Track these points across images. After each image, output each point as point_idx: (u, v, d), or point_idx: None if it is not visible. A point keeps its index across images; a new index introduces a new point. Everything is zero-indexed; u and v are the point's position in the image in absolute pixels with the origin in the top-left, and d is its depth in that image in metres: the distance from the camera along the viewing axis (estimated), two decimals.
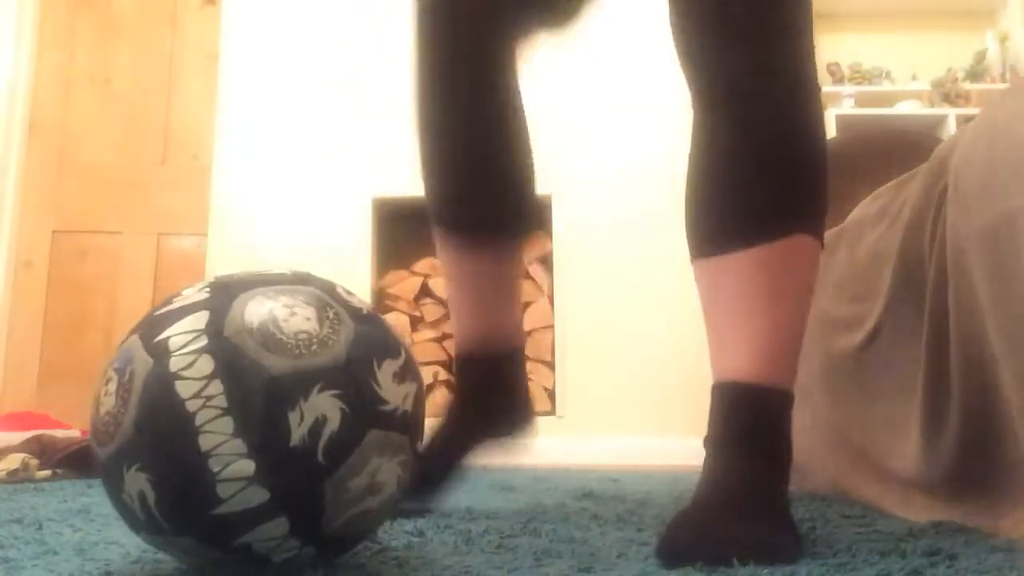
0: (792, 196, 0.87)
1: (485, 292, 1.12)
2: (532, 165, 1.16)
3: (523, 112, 1.14)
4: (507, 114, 1.12)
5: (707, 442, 0.86)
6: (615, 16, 3.17)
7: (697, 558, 0.66)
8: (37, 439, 1.78)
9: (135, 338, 0.62)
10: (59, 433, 1.98)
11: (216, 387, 0.57)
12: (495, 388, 1.15)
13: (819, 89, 0.91)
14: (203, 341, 0.58)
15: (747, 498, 0.76)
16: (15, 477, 1.59)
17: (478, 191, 1.12)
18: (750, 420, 0.84)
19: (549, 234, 3.09)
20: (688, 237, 0.93)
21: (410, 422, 0.65)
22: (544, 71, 3.15)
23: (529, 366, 3.04)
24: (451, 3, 1.05)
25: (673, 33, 0.98)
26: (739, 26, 0.87)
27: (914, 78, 3.35)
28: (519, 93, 1.13)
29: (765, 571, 0.64)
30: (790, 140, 0.87)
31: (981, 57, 3.36)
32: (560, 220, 3.06)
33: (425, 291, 3.14)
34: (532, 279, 3.13)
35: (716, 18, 0.89)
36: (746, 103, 0.87)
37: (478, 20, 1.05)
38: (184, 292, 0.65)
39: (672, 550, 0.68)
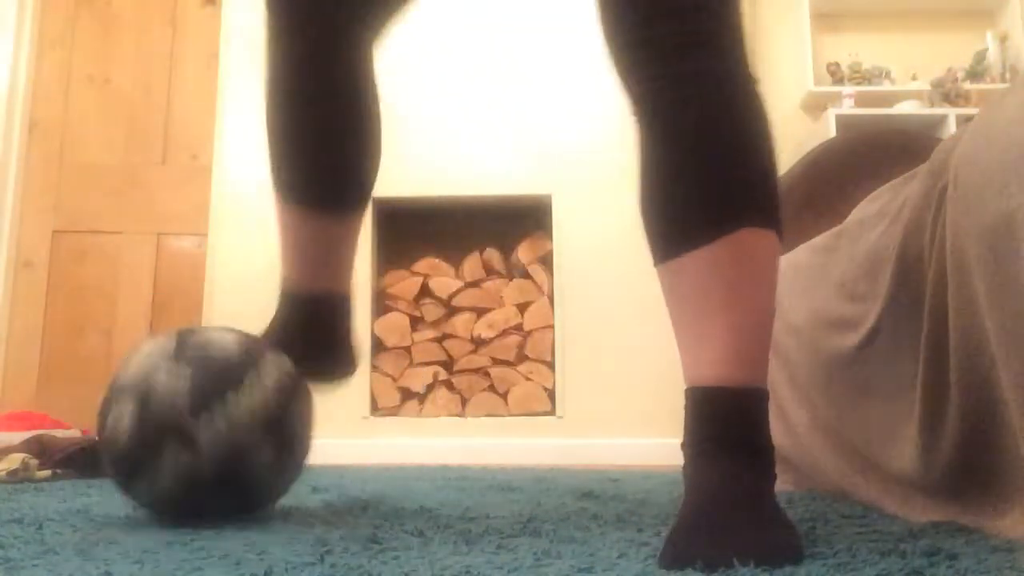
0: (734, 191, 0.87)
1: (314, 251, 1.20)
2: (373, 148, 1.23)
3: (368, 97, 1.18)
4: (349, 101, 1.16)
5: (685, 447, 0.84)
6: None
7: (700, 566, 0.66)
8: (37, 439, 1.78)
9: None
10: (59, 433, 1.98)
11: None
12: (312, 326, 1.21)
13: (754, 81, 0.92)
14: None
15: (740, 501, 0.76)
16: (15, 477, 1.59)
17: (313, 172, 1.18)
18: (725, 423, 0.82)
19: (549, 234, 3.09)
20: (649, 246, 0.96)
21: None
22: (545, 71, 3.16)
23: (529, 366, 3.04)
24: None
25: (605, 43, 1.02)
26: (662, 29, 0.91)
27: (914, 78, 3.35)
28: (367, 79, 1.17)
29: (764, 573, 0.64)
30: (725, 137, 0.88)
31: (981, 57, 3.36)
32: (560, 220, 3.06)
33: (425, 291, 3.14)
34: (532, 279, 3.14)
35: (641, 25, 0.94)
36: (676, 108, 0.90)
37: (322, 16, 1.09)
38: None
39: (674, 560, 0.69)
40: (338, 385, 1.26)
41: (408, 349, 3.08)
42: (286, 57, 1.11)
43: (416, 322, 3.12)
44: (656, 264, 0.95)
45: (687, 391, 0.87)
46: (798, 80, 3.39)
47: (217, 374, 0.96)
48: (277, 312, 1.24)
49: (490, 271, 3.17)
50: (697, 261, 0.86)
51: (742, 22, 0.93)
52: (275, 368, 1.02)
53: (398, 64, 3.14)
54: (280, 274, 1.24)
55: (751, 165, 0.88)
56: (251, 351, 1.02)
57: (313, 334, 1.21)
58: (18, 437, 1.80)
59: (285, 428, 1.02)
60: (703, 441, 0.82)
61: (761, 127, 0.90)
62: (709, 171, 0.87)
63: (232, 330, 1.07)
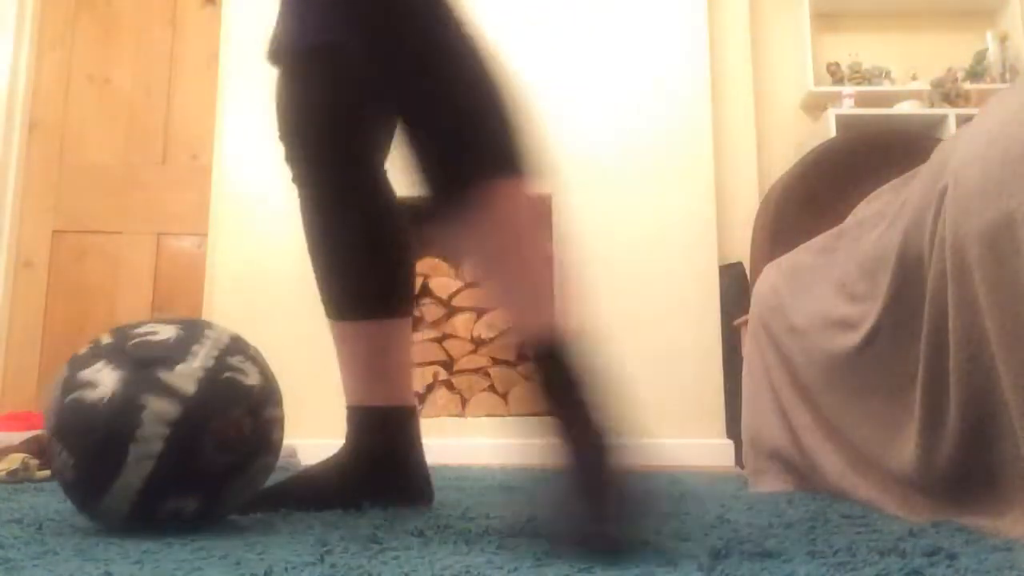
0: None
1: (370, 361, 1.22)
2: (403, 255, 1.28)
3: (392, 209, 1.27)
4: (377, 217, 1.25)
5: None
6: (616, 18, 3.17)
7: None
8: (37, 439, 1.78)
9: None
10: None
11: None
12: (384, 444, 1.19)
13: (465, 41, 0.97)
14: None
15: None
16: (15, 477, 1.59)
17: (356, 286, 1.24)
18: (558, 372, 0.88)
19: (549, 234, 3.09)
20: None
21: None
22: (545, 71, 3.15)
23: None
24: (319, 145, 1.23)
25: None
26: None
27: (914, 78, 3.35)
28: (386, 193, 1.26)
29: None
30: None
31: (981, 57, 3.36)
32: (560, 220, 3.06)
33: (425, 291, 3.14)
34: None
35: None
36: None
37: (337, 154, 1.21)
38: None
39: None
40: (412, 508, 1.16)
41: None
42: (314, 196, 1.24)
43: (416, 322, 3.12)
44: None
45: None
46: (798, 80, 3.39)
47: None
48: (348, 437, 1.22)
49: None
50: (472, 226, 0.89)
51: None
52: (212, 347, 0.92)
53: None
54: (346, 400, 1.24)
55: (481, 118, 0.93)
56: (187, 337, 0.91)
57: (382, 452, 1.19)
58: (18, 437, 1.80)
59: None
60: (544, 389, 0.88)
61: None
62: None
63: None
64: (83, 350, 0.90)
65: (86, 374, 0.85)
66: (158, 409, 0.82)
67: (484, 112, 0.92)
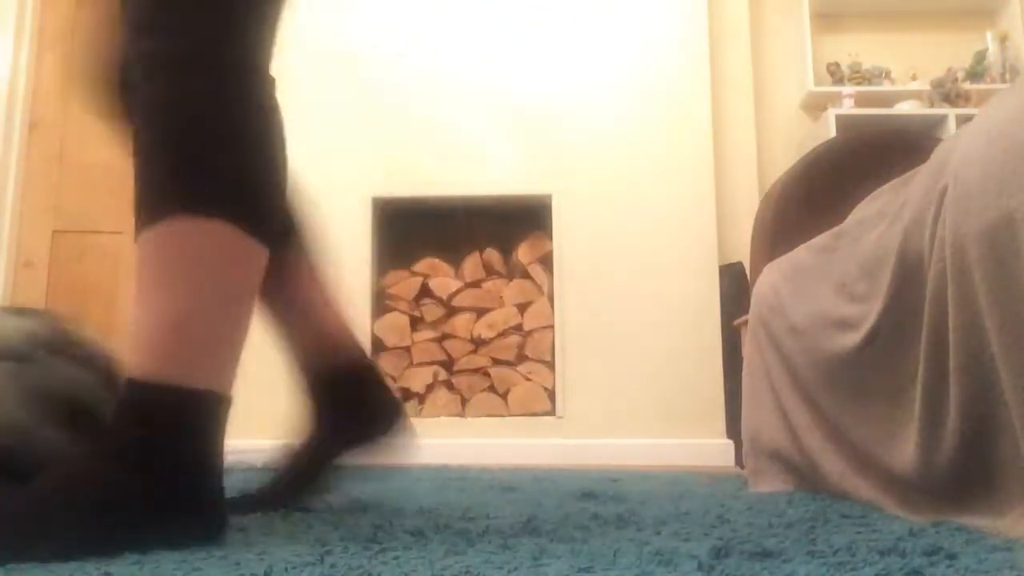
0: (166, 179, 0.85)
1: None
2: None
3: None
4: None
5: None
6: (616, 18, 3.17)
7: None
8: None
9: None
10: None
11: None
12: (348, 394, 1.17)
13: (232, 66, 0.88)
14: None
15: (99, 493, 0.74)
16: None
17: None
18: (133, 419, 0.78)
19: (549, 234, 3.09)
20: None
21: None
22: (545, 71, 3.15)
23: (529, 366, 3.04)
24: None
25: None
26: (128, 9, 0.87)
27: (914, 78, 3.36)
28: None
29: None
30: (157, 120, 0.85)
31: (981, 57, 3.36)
32: (560, 220, 3.06)
33: (425, 291, 3.14)
34: (532, 279, 3.14)
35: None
36: (131, 91, 0.87)
37: None
38: None
39: None
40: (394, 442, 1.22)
41: (408, 349, 3.08)
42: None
43: (416, 322, 3.12)
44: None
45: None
46: (798, 80, 3.39)
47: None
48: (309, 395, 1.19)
49: (490, 271, 3.17)
50: (139, 249, 0.84)
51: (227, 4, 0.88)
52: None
53: (399, 65, 3.14)
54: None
55: (191, 147, 0.84)
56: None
57: (354, 403, 1.18)
58: None
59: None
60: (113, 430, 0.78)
61: (213, 111, 0.85)
62: (153, 155, 0.87)
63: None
64: None
65: None
66: None
67: (173, 146, 0.85)
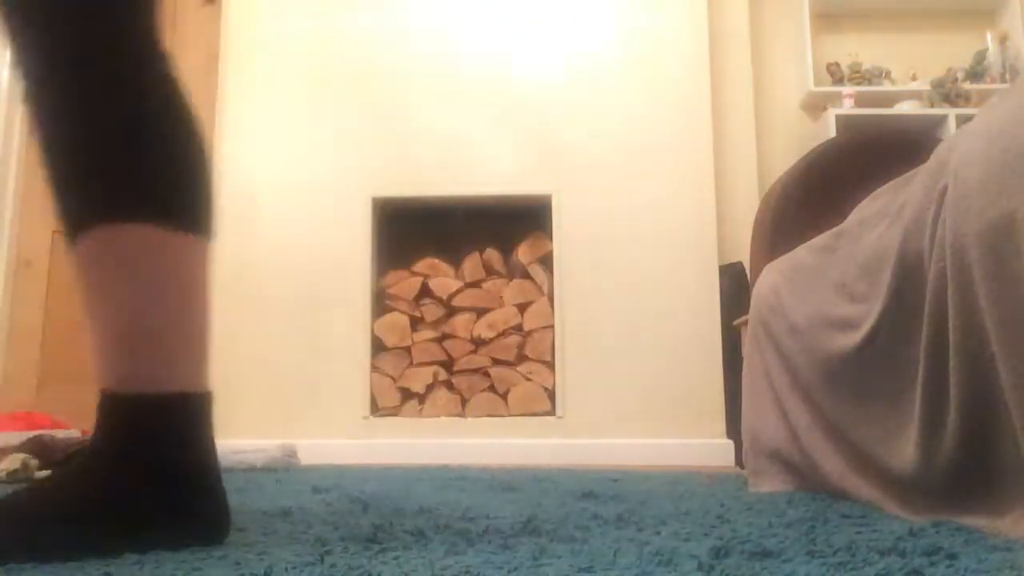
0: (83, 187, 0.81)
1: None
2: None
3: None
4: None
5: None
6: (616, 18, 3.17)
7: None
8: (37, 439, 1.78)
9: None
10: (59, 433, 1.98)
11: None
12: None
13: (151, 58, 0.85)
14: None
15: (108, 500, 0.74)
16: (15, 477, 1.59)
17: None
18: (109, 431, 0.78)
19: (549, 234, 3.09)
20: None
21: None
22: (545, 71, 3.15)
23: (529, 366, 3.04)
24: None
25: None
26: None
27: (914, 78, 3.36)
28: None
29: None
30: (74, 128, 0.81)
31: (981, 57, 3.36)
32: (560, 220, 3.06)
33: (425, 291, 3.14)
34: (532, 279, 3.14)
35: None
36: (41, 97, 0.82)
37: None
38: None
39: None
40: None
41: (408, 349, 3.08)
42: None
43: (416, 322, 3.12)
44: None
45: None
46: (798, 80, 3.39)
47: None
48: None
49: (490, 271, 3.16)
50: (78, 255, 0.82)
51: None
52: None
53: (399, 65, 3.14)
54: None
55: (110, 155, 0.81)
56: None
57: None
58: (18, 437, 1.80)
59: None
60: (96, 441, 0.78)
61: (108, 109, 0.81)
62: (58, 161, 0.81)
63: None
64: None
65: None
66: None
67: (109, 152, 0.81)
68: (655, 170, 3.07)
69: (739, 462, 2.62)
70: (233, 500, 0.85)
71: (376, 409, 3.01)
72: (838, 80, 3.37)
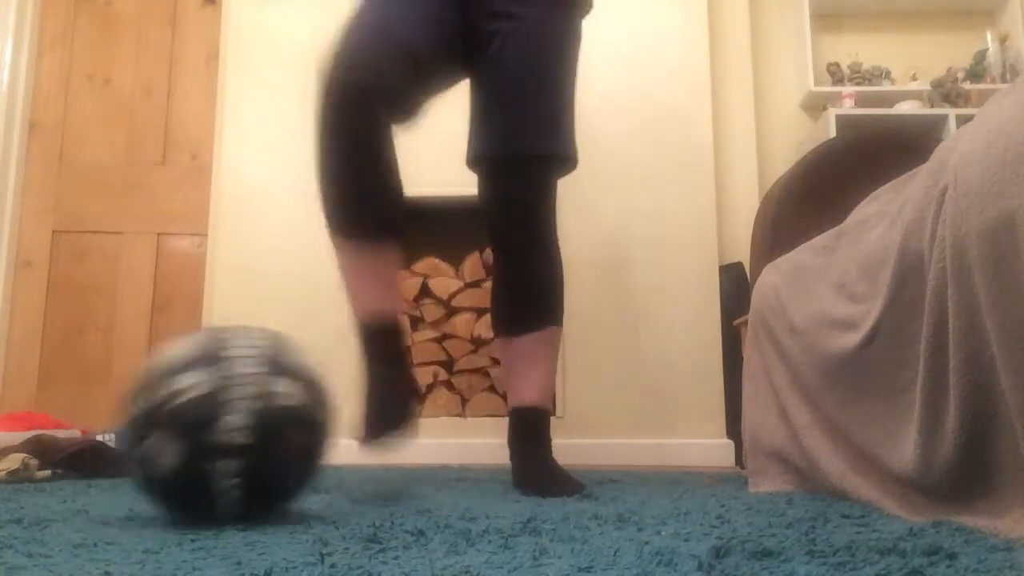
0: (549, 305, 1.66)
1: (370, 281, 1.52)
2: (397, 191, 1.63)
3: (391, 153, 1.58)
4: (378, 156, 1.53)
5: (511, 441, 1.60)
6: (616, 18, 3.17)
7: (541, 493, 1.40)
8: (37, 439, 1.78)
9: None
10: (59, 433, 1.98)
11: None
12: (389, 351, 1.51)
13: (555, 235, 1.75)
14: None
15: (550, 464, 1.58)
16: (15, 477, 1.59)
17: (359, 212, 1.53)
18: (538, 425, 1.60)
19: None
20: (494, 323, 1.72)
21: None
22: None
23: None
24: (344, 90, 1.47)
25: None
26: (511, 205, 1.72)
27: (914, 78, 3.35)
28: (390, 140, 1.55)
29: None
30: (543, 273, 1.69)
31: (981, 57, 3.36)
32: (560, 220, 3.05)
33: (425, 291, 3.14)
34: None
35: (494, 200, 1.73)
36: (516, 254, 1.69)
37: (364, 105, 1.46)
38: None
39: (529, 490, 1.45)
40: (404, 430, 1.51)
41: (408, 349, 3.08)
42: (331, 132, 1.46)
43: (416, 322, 3.12)
44: (500, 336, 1.69)
45: (515, 408, 1.61)
46: (798, 80, 3.39)
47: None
48: (363, 351, 1.50)
49: (490, 271, 3.17)
50: (530, 339, 1.63)
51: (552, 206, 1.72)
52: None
53: None
54: (354, 318, 1.51)
55: (557, 291, 1.69)
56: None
57: (393, 356, 1.53)
58: (18, 437, 1.80)
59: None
60: (528, 435, 1.59)
61: (560, 268, 1.72)
62: (540, 294, 1.67)
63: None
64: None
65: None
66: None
67: (551, 286, 1.69)
68: (655, 170, 3.07)
69: (739, 462, 2.62)
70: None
71: None
72: (838, 80, 3.37)
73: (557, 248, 1.71)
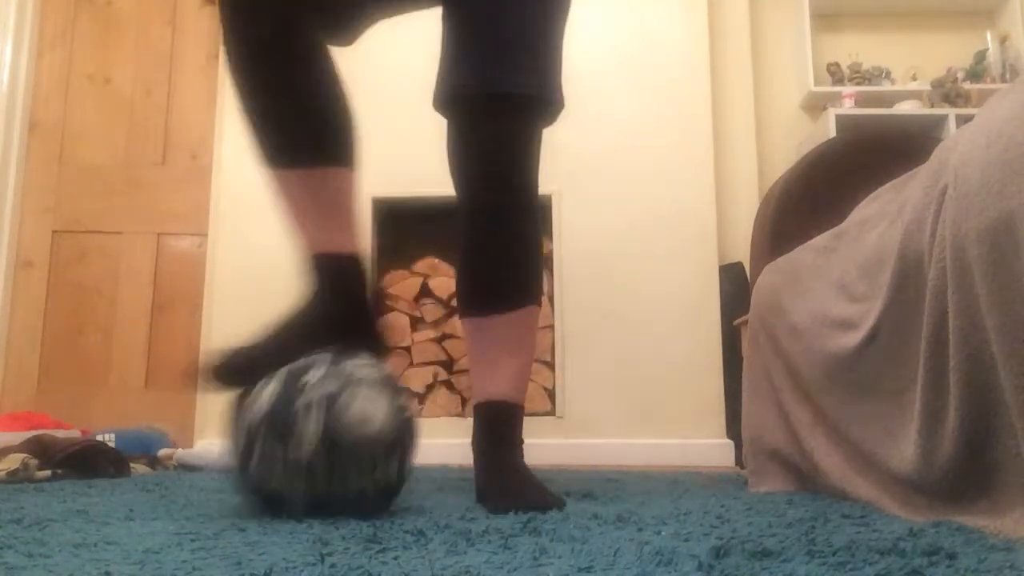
0: (527, 280, 1.34)
1: (318, 210, 1.27)
2: (344, 110, 1.37)
3: (330, 74, 1.32)
4: (317, 77, 1.29)
5: (476, 443, 1.33)
6: (616, 18, 3.17)
7: (508, 509, 1.05)
8: (37, 439, 1.78)
9: None
10: (59, 433, 1.97)
11: None
12: (344, 288, 1.29)
13: (537, 198, 1.36)
14: None
15: (521, 473, 1.25)
16: (15, 477, 1.59)
17: (293, 135, 1.26)
18: (508, 424, 1.30)
19: (549, 234, 3.09)
20: (458, 300, 1.38)
21: None
22: None
23: None
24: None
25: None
26: (484, 155, 1.36)
27: (914, 78, 3.36)
28: (327, 61, 1.31)
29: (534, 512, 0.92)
30: (521, 242, 1.34)
31: (981, 57, 3.36)
32: (560, 220, 3.06)
33: (425, 291, 3.14)
34: None
35: (464, 148, 1.38)
36: (489, 215, 1.33)
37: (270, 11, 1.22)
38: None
39: (494, 508, 1.11)
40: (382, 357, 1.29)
41: (408, 349, 3.08)
42: (241, 47, 1.24)
43: (416, 322, 3.12)
44: (464, 316, 1.35)
45: (480, 403, 1.32)
46: (798, 80, 3.39)
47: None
48: (312, 285, 1.28)
49: None
50: (501, 321, 1.31)
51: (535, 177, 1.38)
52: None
53: (399, 64, 3.14)
54: (298, 250, 1.30)
55: (535, 263, 1.37)
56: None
57: (347, 296, 1.29)
58: (18, 437, 1.80)
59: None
60: (494, 435, 1.30)
61: (539, 235, 1.40)
62: (515, 263, 1.34)
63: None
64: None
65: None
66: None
67: (530, 258, 1.36)
68: (655, 170, 3.07)
69: (739, 462, 2.62)
70: (233, 499, 0.85)
71: None
72: (838, 80, 3.37)
73: (538, 213, 1.38)
